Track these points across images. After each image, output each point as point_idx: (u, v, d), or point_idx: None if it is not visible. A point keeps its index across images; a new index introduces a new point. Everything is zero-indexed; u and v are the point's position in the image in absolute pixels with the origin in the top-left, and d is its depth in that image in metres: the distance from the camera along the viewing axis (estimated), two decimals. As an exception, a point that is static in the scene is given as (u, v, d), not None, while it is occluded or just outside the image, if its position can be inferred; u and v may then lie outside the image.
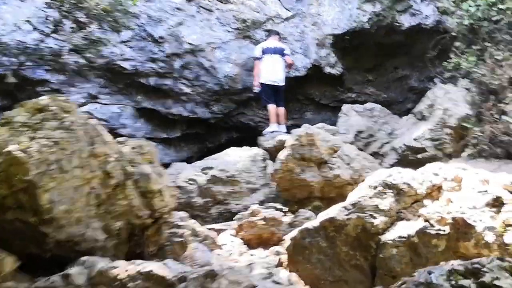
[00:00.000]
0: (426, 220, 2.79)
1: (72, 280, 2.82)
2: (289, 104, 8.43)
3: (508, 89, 5.98)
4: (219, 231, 4.74)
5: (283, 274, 2.76)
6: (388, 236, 2.83)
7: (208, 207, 5.41)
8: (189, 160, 8.10)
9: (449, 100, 6.31)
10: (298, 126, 8.41)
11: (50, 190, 2.94)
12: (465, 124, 6.11)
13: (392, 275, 2.76)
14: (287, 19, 8.33)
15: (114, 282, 2.82)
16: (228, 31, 8.11)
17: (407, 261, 2.73)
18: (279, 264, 3.25)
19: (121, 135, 7.55)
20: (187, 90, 7.98)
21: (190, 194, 5.43)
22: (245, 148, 6.21)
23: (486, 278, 1.67)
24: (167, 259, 3.24)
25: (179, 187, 5.36)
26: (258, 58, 7.82)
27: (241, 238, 4.53)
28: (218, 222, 5.18)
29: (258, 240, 4.48)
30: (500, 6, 6.64)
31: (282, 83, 7.85)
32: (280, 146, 6.01)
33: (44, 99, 3.35)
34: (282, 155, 5.17)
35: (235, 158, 5.80)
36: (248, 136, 8.15)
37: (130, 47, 7.63)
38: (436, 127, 6.18)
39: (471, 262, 1.73)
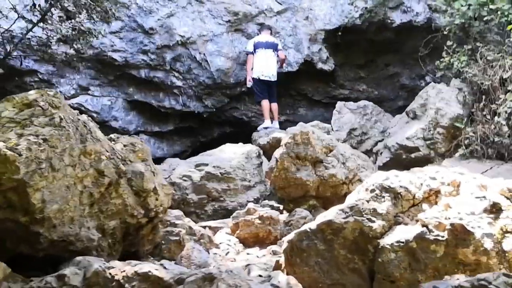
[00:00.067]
0: (424, 225, 2.79)
1: (68, 281, 2.76)
2: (282, 99, 8.41)
3: (499, 89, 6.03)
4: (215, 229, 4.72)
5: (282, 277, 2.73)
6: (387, 241, 2.82)
7: (203, 204, 5.38)
8: (182, 154, 8.05)
9: (442, 100, 6.34)
10: (291, 121, 8.46)
11: (41, 189, 2.86)
12: (457, 124, 6.15)
13: (391, 280, 2.76)
14: (279, 12, 8.27)
15: (110, 283, 2.77)
16: (220, 24, 8.03)
17: (405, 266, 2.73)
18: (277, 267, 3.24)
19: (113, 128, 7.50)
20: (179, 83, 7.90)
21: (184, 191, 5.38)
22: (240, 144, 6.19)
23: (493, 295, 1.67)
24: (164, 260, 3.20)
25: (173, 183, 5.31)
26: (251, 53, 7.76)
27: (237, 237, 4.50)
28: (213, 219, 5.15)
29: (254, 239, 4.46)
30: (491, 6, 6.68)
31: (275, 79, 7.82)
32: (275, 143, 6.00)
33: (32, 94, 3.23)
34: (277, 153, 5.14)
35: (229, 155, 5.76)
36: (241, 131, 8.12)
37: (120, 38, 7.51)
38: (429, 126, 6.22)
39: (478, 279, 1.72)
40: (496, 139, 5.67)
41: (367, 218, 2.95)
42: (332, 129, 6.84)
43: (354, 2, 8.13)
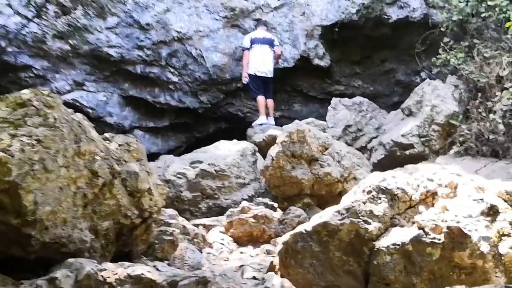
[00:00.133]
0: (421, 228, 2.77)
1: (59, 284, 2.72)
2: (277, 95, 8.39)
3: (496, 87, 6.01)
4: (208, 226, 4.70)
5: (276, 280, 2.71)
6: (382, 243, 2.80)
7: (197, 201, 5.36)
8: (176, 150, 8.03)
9: (437, 97, 6.31)
10: (286, 117, 8.45)
11: (33, 191, 2.81)
12: (452, 121, 6.14)
13: (386, 282, 2.74)
14: (275, 8, 8.23)
15: (102, 286, 2.74)
16: (216, 19, 7.98)
17: (401, 269, 2.72)
18: (271, 268, 3.21)
19: (107, 123, 7.47)
20: (174, 79, 7.87)
21: (179, 188, 5.36)
22: (235, 141, 6.15)
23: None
24: (157, 261, 3.17)
25: (168, 180, 5.28)
26: (247, 48, 7.71)
27: (231, 236, 4.48)
28: (208, 217, 5.13)
29: (248, 238, 4.45)
30: (489, 3, 6.65)
31: (271, 75, 7.78)
32: (270, 141, 5.97)
33: (26, 93, 3.17)
34: (273, 151, 5.12)
35: (224, 152, 5.73)
36: (237, 126, 8.09)
37: (116, 34, 7.45)
38: (424, 123, 6.19)
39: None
40: (491, 136, 5.66)
41: (363, 220, 2.93)
42: (328, 126, 6.81)
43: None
